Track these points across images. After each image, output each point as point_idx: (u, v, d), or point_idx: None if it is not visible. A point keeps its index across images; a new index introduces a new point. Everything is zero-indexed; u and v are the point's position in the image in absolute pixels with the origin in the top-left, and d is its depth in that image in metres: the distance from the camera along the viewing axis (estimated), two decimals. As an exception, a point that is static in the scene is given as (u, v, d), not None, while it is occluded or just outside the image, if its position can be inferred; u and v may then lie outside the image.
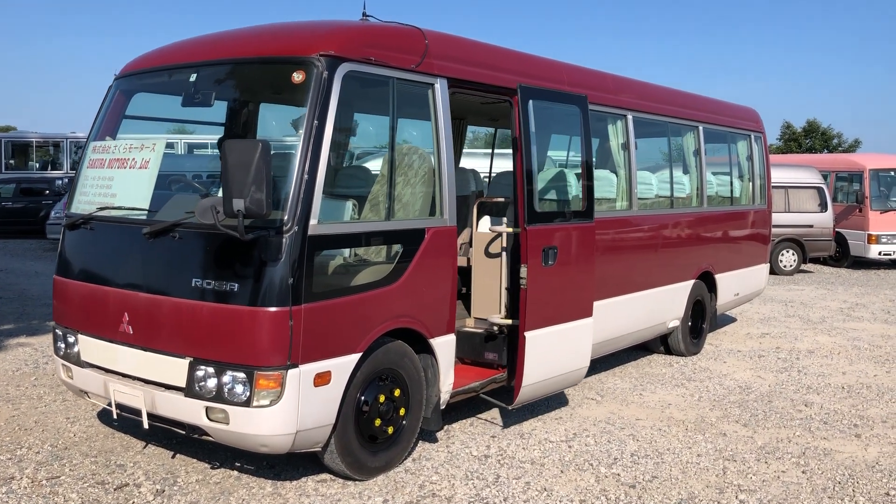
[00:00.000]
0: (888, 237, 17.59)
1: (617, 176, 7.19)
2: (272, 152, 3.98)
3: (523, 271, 5.53)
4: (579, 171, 6.28)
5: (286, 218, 4.11)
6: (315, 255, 4.22)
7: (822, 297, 13.33)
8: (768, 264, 10.03)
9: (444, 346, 5.16)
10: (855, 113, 76.77)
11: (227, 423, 4.20)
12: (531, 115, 5.66)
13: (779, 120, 63.44)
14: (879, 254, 17.60)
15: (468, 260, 6.34)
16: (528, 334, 5.59)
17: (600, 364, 7.79)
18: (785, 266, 16.88)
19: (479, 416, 6.13)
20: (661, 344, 8.45)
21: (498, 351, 5.87)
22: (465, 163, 8.65)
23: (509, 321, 5.73)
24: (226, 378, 4.18)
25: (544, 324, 5.73)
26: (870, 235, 17.58)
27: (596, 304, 6.34)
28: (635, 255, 7.30)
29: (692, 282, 8.21)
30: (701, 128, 8.41)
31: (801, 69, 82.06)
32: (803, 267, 17.44)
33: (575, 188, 6.32)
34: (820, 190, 17.03)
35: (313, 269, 4.19)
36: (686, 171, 8.36)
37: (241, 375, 4.13)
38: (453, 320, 5.22)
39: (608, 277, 6.74)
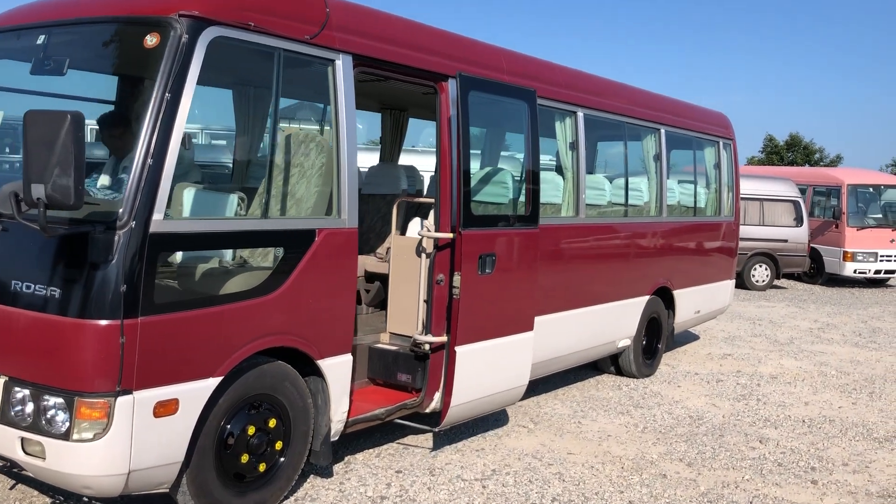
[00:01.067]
0: (864, 255, 17.06)
1: (565, 179, 6.49)
2: (117, 131, 3.24)
3: (456, 279, 4.87)
4: (524, 172, 5.58)
5: (121, 211, 3.35)
6: (158, 258, 3.46)
7: (793, 315, 12.72)
8: (734, 280, 9.37)
9: (337, 369, 4.41)
10: (838, 129, 76.88)
11: (44, 459, 3.44)
12: (469, 108, 4.97)
13: (762, 133, 63.17)
14: (855, 272, 17.06)
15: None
16: (459, 349, 4.92)
17: (542, 385, 7.08)
18: (757, 281, 16.29)
19: (401, 440, 5.40)
20: (611, 364, 7.76)
21: (412, 372, 5.14)
22: (419, 162, 8.00)
23: (430, 338, 5.00)
24: (44, 404, 3.41)
25: (478, 338, 5.09)
26: (845, 252, 17.03)
27: (538, 319, 5.66)
28: (583, 266, 6.59)
29: (647, 298, 7.52)
30: (663, 131, 7.73)
31: (787, 83, 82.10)
32: (776, 283, 16.87)
33: (518, 191, 5.62)
34: (796, 204, 16.46)
35: (155, 275, 3.43)
36: (645, 178, 7.68)
37: (60, 401, 3.37)
38: (349, 338, 4.48)
39: (553, 290, 6.04)
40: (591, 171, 7.28)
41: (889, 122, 74.11)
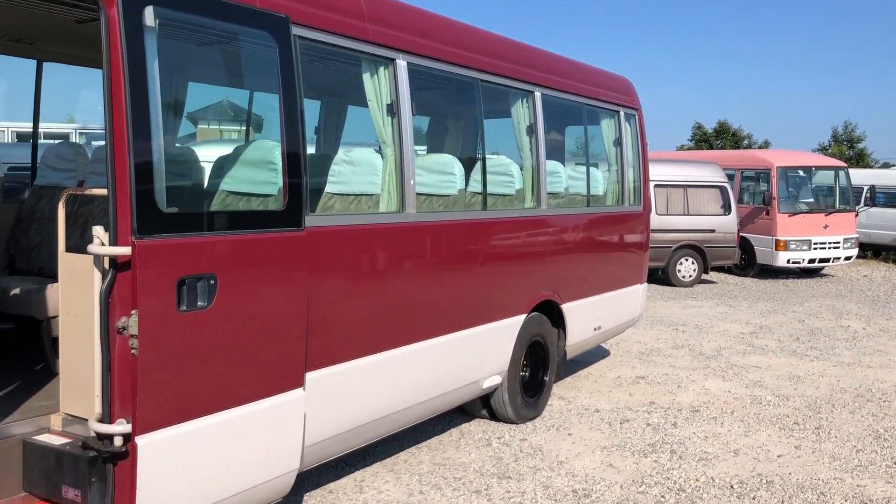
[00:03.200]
0: (797, 243, 15.62)
1: (384, 158, 4.48)
2: None
3: (131, 322, 2.85)
4: (275, 144, 3.57)
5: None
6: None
7: (723, 316, 11.05)
8: (645, 284, 7.54)
9: None
10: (764, 116, 77.35)
11: None
12: (159, 36, 2.97)
13: (690, 121, 62.70)
14: (788, 262, 15.62)
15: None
16: (144, 441, 2.91)
17: (381, 446, 5.09)
18: (684, 277, 14.67)
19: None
20: (482, 406, 5.82)
21: (82, 484, 3.06)
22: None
23: (107, 427, 2.95)
24: None
25: (186, 415, 3.09)
26: (777, 241, 15.57)
27: (318, 373, 3.67)
28: (412, 285, 4.54)
29: (523, 317, 5.59)
30: (538, 94, 5.80)
31: (712, 71, 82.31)
32: (705, 277, 15.30)
33: (264, 172, 3.60)
34: (723, 189, 14.90)
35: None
36: (515, 158, 5.75)
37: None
38: None
39: (353, 325, 4.03)
40: (433, 147, 5.31)
41: (815, 108, 74.98)
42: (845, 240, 16.01)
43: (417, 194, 4.54)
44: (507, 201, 5.53)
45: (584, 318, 6.35)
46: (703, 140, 49.64)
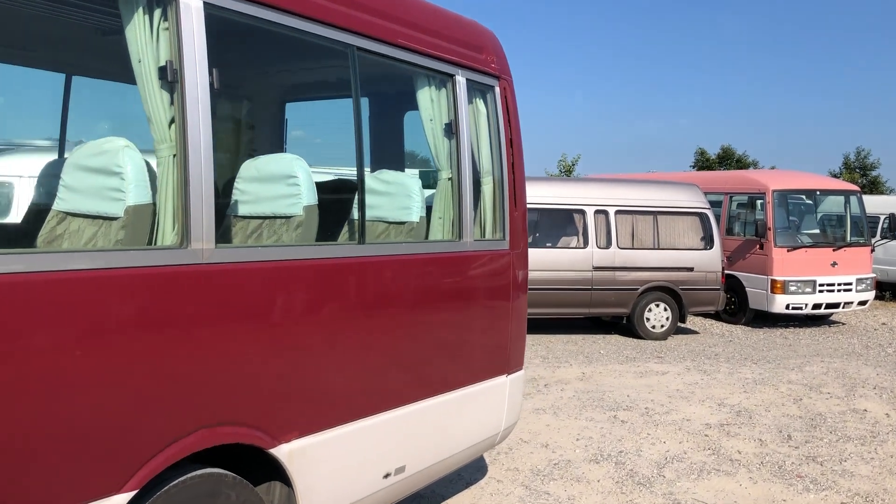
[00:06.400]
0: (799, 284, 12.56)
1: None
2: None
3: None
4: None
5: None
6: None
7: (690, 390, 7.97)
8: (519, 373, 4.45)
9: None
10: (770, 142, 74.16)
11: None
12: None
13: (693, 147, 59.69)
14: (787, 307, 12.54)
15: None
16: None
17: None
18: (654, 327, 11.60)
19: None
20: None
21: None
22: None
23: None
24: None
25: None
26: (774, 282, 12.52)
27: None
28: None
29: (130, 496, 2.54)
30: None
31: (714, 94, 79.43)
32: (682, 325, 12.23)
33: None
34: (703, 217, 11.87)
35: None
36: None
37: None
38: None
39: None
40: None
41: (825, 134, 71.85)
42: (859, 280, 12.92)
43: None
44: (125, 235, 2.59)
45: (348, 465, 3.27)
46: (706, 167, 46.73)
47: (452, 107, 3.87)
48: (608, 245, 11.36)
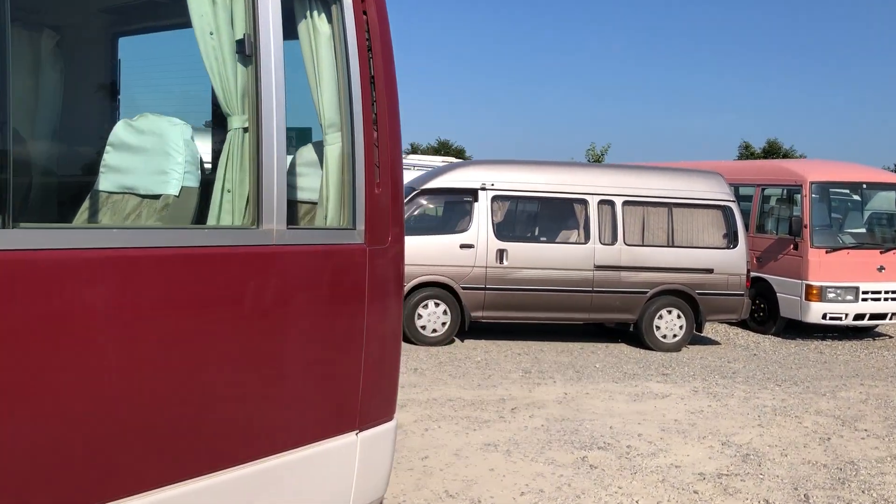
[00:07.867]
0: (838, 291, 10.86)
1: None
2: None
3: None
4: None
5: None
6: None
7: (691, 422, 6.44)
8: (386, 427, 3.04)
9: None
10: (821, 135, 70.75)
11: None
12: None
13: (738, 140, 56.95)
14: (825, 317, 10.85)
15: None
16: None
17: None
18: (665, 336, 10.02)
19: None
20: None
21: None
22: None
23: None
24: None
25: None
26: (809, 287, 10.83)
27: None
28: None
29: None
30: None
31: (761, 87, 76.10)
32: (708, 332, 10.63)
33: None
34: (726, 210, 10.24)
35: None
36: None
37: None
38: None
39: None
40: None
41: (881, 128, 68.27)
42: (909, 288, 11.15)
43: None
44: None
45: None
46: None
47: (250, 10, 2.44)
48: (613, 241, 9.81)
